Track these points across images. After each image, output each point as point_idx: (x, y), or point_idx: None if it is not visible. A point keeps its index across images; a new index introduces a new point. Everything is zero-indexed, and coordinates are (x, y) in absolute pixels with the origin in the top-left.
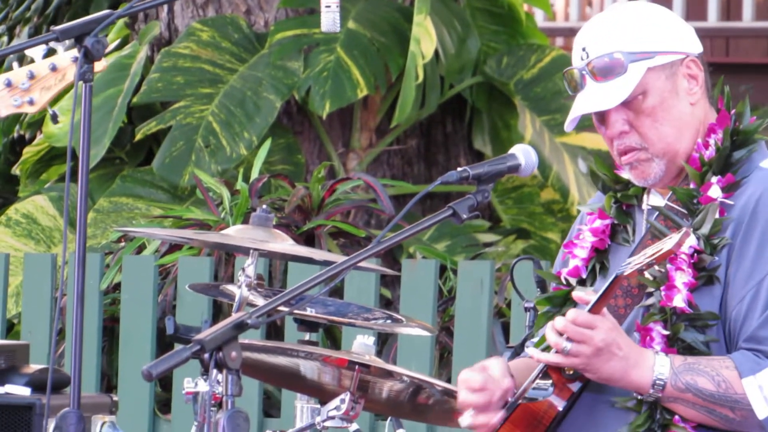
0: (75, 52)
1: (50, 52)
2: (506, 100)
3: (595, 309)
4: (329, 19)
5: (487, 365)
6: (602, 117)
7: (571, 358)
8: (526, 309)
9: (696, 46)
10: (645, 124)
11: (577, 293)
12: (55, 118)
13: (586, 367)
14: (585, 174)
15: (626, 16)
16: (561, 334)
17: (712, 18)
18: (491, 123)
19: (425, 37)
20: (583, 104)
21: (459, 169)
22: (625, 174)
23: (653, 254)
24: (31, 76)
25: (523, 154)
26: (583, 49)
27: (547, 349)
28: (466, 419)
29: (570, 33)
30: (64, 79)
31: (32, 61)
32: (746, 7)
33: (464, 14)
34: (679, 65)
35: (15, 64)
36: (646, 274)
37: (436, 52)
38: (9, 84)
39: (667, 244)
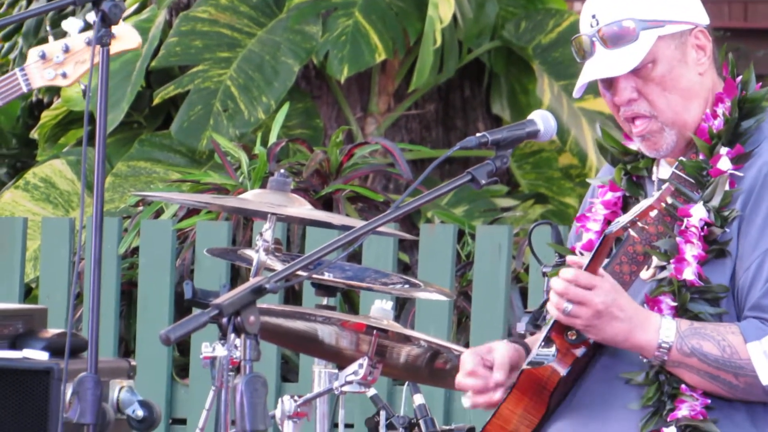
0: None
1: (87, 27)
2: (524, 64)
3: (589, 270)
4: None
5: (493, 348)
6: (609, 83)
7: (572, 319)
8: (544, 274)
9: (704, 17)
10: (654, 92)
11: (570, 258)
12: (85, 93)
13: (588, 329)
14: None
15: None
16: (562, 296)
17: None
18: (509, 87)
19: (443, 2)
20: (593, 70)
21: (478, 134)
22: (634, 145)
23: (635, 211)
24: (66, 50)
25: (542, 119)
26: (593, 17)
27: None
28: (466, 401)
29: None
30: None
31: (67, 34)
32: None
33: None
34: (688, 35)
35: (51, 38)
36: (632, 232)
37: (455, 17)
38: (43, 56)
39: (648, 200)
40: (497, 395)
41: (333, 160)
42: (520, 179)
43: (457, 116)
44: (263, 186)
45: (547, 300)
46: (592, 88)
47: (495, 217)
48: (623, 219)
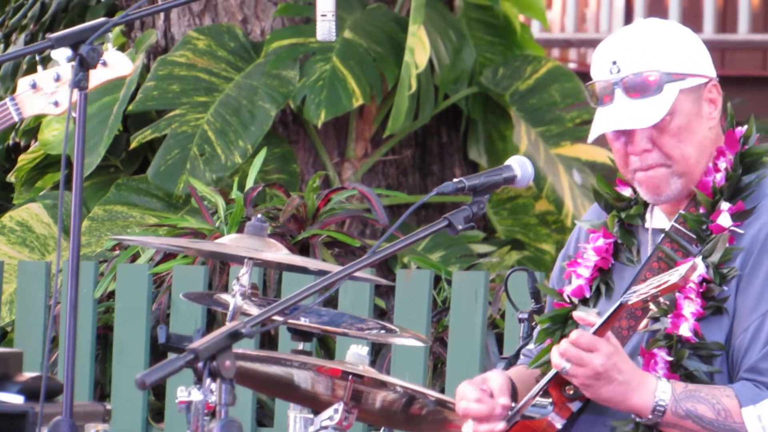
0: (102, 56)
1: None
2: (502, 111)
3: (599, 333)
4: (325, 28)
5: (488, 378)
6: (624, 131)
7: (570, 377)
8: (520, 320)
9: (713, 70)
10: (669, 144)
11: (578, 313)
12: (73, 118)
13: (585, 388)
14: (579, 185)
15: (660, 34)
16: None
17: (708, 30)
18: (486, 134)
19: (419, 48)
20: (614, 120)
21: (455, 179)
22: (628, 191)
23: (659, 285)
24: (57, 78)
25: (519, 165)
26: (614, 63)
27: (544, 366)
28: (467, 429)
29: (566, 44)
30: (91, 82)
31: (57, 64)
32: (742, 20)
33: (460, 25)
34: (703, 89)
35: (40, 67)
36: (652, 305)
37: (431, 63)
38: (34, 86)
39: (674, 276)
40: (500, 426)
41: (310, 206)
42: (497, 225)
43: (434, 162)
44: (240, 231)
45: (523, 345)
46: (569, 135)
47: (471, 263)
48: (642, 289)
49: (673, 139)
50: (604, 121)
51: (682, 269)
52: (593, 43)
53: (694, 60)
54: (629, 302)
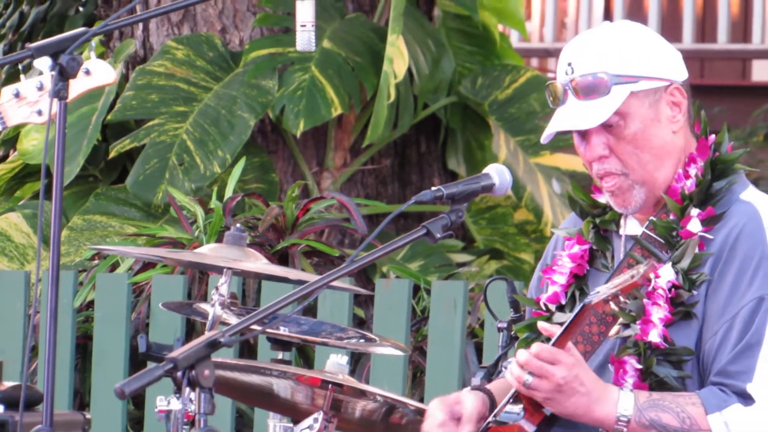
0: (85, 65)
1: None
2: (480, 120)
3: (560, 342)
4: (304, 38)
5: (462, 400)
6: (583, 136)
7: (532, 391)
8: (500, 329)
9: (681, 73)
10: (626, 151)
11: (542, 324)
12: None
13: (548, 402)
14: (559, 195)
15: (615, 36)
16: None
17: (687, 39)
18: (465, 143)
19: (398, 57)
20: (562, 121)
21: (433, 188)
22: (603, 198)
23: (619, 284)
24: (41, 87)
25: (497, 173)
26: (569, 64)
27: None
28: None
29: (545, 54)
30: (74, 90)
31: (41, 73)
32: (721, 29)
33: (438, 35)
34: (663, 92)
35: (23, 76)
36: (612, 305)
37: (410, 72)
38: (17, 95)
39: (633, 274)
40: None
41: (289, 215)
42: (476, 235)
43: (413, 171)
44: (219, 240)
45: (502, 355)
46: (548, 144)
47: (450, 272)
48: (604, 290)
49: (629, 145)
50: (554, 121)
51: (641, 268)
52: None
53: (651, 62)
54: (592, 302)
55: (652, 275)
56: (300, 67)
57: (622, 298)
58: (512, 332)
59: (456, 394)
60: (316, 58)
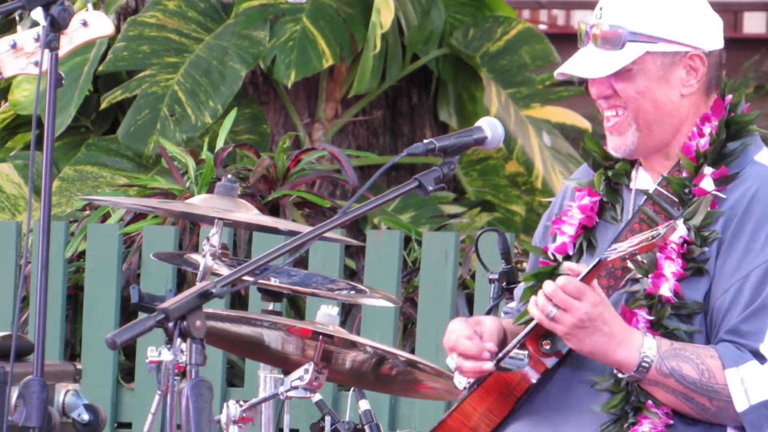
0: (82, 16)
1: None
2: (472, 72)
3: (585, 281)
4: None
5: (482, 321)
6: (593, 81)
7: (554, 324)
8: (491, 281)
9: (712, 43)
10: (629, 96)
11: (569, 263)
12: (60, 81)
13: (569, 337)
14: (549, 147)
15: None
16: (550, 299)
17: None
18: (457, 95)
19: (385, 8)
20: (574, 64)
21: (425, 140)
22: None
23: (638, 244)
24: (37, 39)
25: (489, 126)
26: (600, 9)
27: (528, 323)
28: (451, 362)
29: (536, 6)
30: (71, 42)
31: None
32: None
33: None
34: (682, 56)
35: (19, 27)
36: (630, 264)
37: (400, 23)
38: (14, 46)
39: (654, 235)
40: (488, 365)
41: (280, 166)
42: (467, 186)
43: (404, 123)
44: (210, 191)
45: (493, 307)
46: (539, 97)
47: (442, 223)
48: (622, 247)
49: (633, 92)
50: (568, 62)
51: (661, 229)
52: (564, 5)
53: (678, 26)
54: (608, 259)
55: (674, 237)
56: (291, 18)
57: (639, 258)
58: (503, 283)
59: (475, 317)
60: (307, 9)
